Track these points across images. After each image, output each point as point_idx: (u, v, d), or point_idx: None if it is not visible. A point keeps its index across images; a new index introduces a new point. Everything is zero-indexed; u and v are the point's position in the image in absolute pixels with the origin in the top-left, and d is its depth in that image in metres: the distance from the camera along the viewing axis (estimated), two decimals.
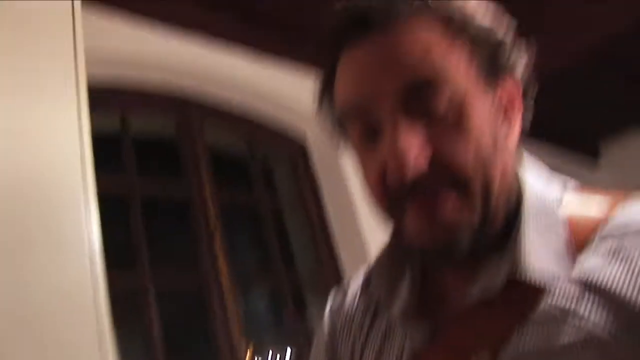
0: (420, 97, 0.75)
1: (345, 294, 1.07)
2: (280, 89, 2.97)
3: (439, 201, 0.75)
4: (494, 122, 0.80)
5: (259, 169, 2.97)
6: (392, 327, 0.90)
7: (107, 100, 2.43)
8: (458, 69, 0.77)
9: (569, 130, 5.49)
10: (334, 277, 2.92)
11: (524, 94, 0.87)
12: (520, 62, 0.85)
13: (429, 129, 0.75)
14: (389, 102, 0.75)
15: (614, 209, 0.76)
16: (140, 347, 2.13)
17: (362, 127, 0.80)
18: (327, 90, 0.88)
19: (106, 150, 2.39)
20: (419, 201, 0.75)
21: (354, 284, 1.06)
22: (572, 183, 0.87)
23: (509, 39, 0.83)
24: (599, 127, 5.77)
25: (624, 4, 3.09)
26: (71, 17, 1.39)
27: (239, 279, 2.53)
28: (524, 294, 0.73)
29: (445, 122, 0.75)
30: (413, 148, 0.73)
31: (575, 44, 3.37)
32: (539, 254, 0.74)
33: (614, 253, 0.71)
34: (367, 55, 0.78)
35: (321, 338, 1.06)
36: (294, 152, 3.19)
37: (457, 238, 0.75)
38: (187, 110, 2.72)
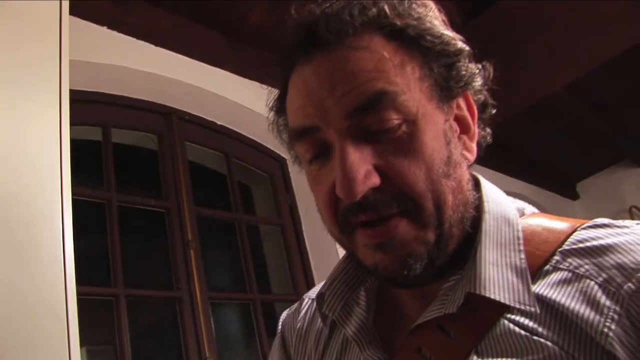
0: (370, 115, 0.73)
1: (299, 311, 1.05)
2: (261, 107, 2.98)
3: (390, 226, 0.73)
4: (448, 138, 0.78)
5: (237, 184, 2.98)
6: (348, 346, 0.88)
7: (90, 110, 2.44)
8: (409, 85, 0.75)
9: (548, 172, 5.60)
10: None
11: (480, 113, 0.86)
12: (476, 80, 0.84)
13: (380, 147, 0.73)
14: (338, 124, 0.74)
15: (572, 230, 0.76)
16: (111, 356, 2.13)
17: (312, 147, 0.78)
18: (280, 110, 0.88)
19: (87, 160, 2.41)
20: (372, 224, 0.74)
21: (308, 301, 1.05)
22: (530, 207, 0.87)
23: (463, 57, 0.81)
24: (575, 168, 5.88)
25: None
26: (58, 20, 1.39)
27: (212, 293, 2.54)
28: (483, 311, 0.73)
29: (396, 141, 0.74)
30: (361, 166, 0.72)
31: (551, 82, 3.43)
32: (498, 272, 0.74)
33: (571, 274, 0.70)
34: (316, 74, 0.76)
35: (275, 350, 1.05)
36: (273, 169, 3.21)
37: (411, 260, 0.73)
38: (168, 124, 2.74)
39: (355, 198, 0.71)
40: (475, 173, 0.87)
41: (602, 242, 0.71)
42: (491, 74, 0.88)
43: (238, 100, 2.91)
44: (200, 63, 2.82)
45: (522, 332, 0.69)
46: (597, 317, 0.65)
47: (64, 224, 1.22)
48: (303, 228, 3.12)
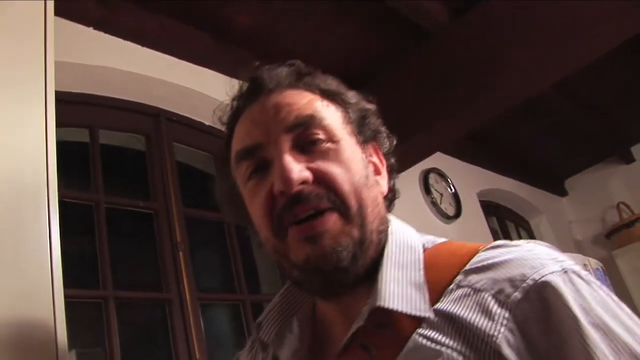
0: (304, 131, 0.91)
1: (249, 347, 1.14)
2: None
3: (323, 219, 0.86)
4: (365, 165, 0.96)
5: None
6: None
7: (76, 111, 2.44)
8: (333, 119, 0.95)
9: (538, 169, 5.64)
10: None
11: (388, 171, 1.04)
12: (383, 136, 1.05)
13: (311, 156, 0.90)
14: (279, 137, 0.90)
15: (474, 253, 0.87)
16: (100, 359, 2.12)
17: (252, 165, 0.93)
18: (225, 148, 1.03)
19: (75, 162, 2.40)
20: (305, 221, 0.86)
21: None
22: (441, 239, 0.98)
23: (371, 112, 1.04)
24: (564, 165, 5.93)
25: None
26: (42, 20, 1.38)
27: (202, 294, 2.53)
28: (397, 328, 0.82)
29: (324, 152, 0.90)
30: (296, 165, 0.87)
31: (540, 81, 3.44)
32: (398, 287, 0.84)
33: (470, 289, 0.81)
34: (261, 107, 0.95)
35: None
36: None
37: (339, 248, 0.85)
38: (156, 125, 2.73)
39: (292, 187, 0.85)
40: (388, 215, 1.01)
41: (496, 260, 0.82)
42: (394, 144, 1.08)
43: (226, 100, 2.89)
44: (187, 63, 2.81)
45: (428, 342, 0.78)
46: (490, 323, 0.75)
47: (51, 226, 1.21)
48: None
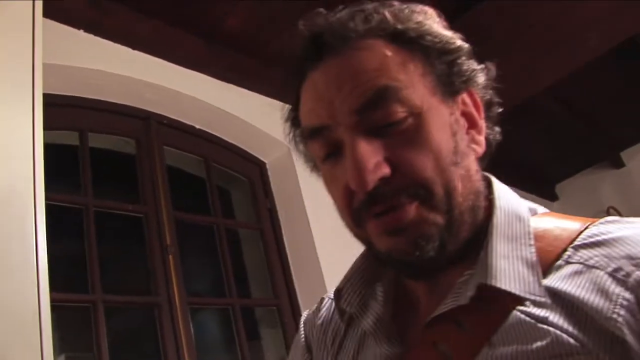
0: (376, 111, 0.77)
1: (319, 310, 1.07)
2: (241, 110, 2.98)
3: (402, 211, 0.76)
4: (454, 130, 0.82)
5: (216, 188, 2.97)
6: (365, 339, 0.90)
7: (66, 114, 2.43)
8: (412, 81, 0.79)
9: (528, 173, 5.65)
10: (288, 301, 2.93)
11: (487, 111, 0.90)
12: (478, 76, 0.88)
13: (388, 140, 0.77)
14: (347, 120, 0.78)
15: (584, 227, 0.78)
16: None
17: (325, 147, 0.82)
18: (294, 115, 0.91)
19: (65, 165, 2.39)
20: (383, 214, 0.77)
21: (328, 300, 1.07)
22: (542, 208, 0.89)
23: (463, 54, 0.86)
24: (554, 170, 5.94)
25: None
26: (31, 21, 1.37)
27: (192, 298, 2.52)
28: (496, 303, 0.74)
29: (403, 133, 0.77)
30: (371, 157, 0.75)
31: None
32: (508, 264, 0.76)
33: (581, 266, 0.72)
34: (324, 78, 0.81)
35: (298, 347, 1.07)
36: (252, 173, 3.20)
37: (422, 241, 0.76)
38: (147, 129, 2.72)
39: (367, 187, 0.75)
40: (487, 174, 0.91)
41: (611, 235, 0.73)
42: (494, 74, 0.92)
43: (217, 104, 2.90)
44: (178, 67, 2.81)
45: (531, 320, 0.70)
46: (606, 303, 0.66)
47: (37, 230, 1.20)
48: (283, 232, 3.11)
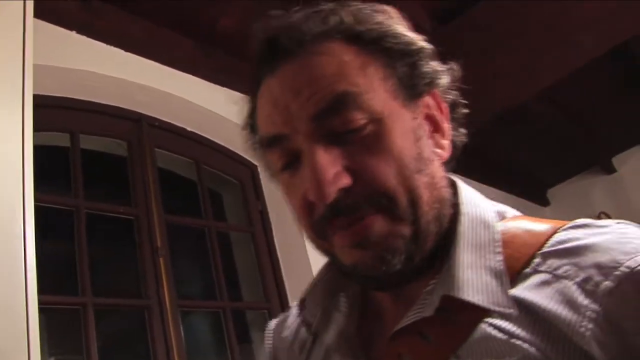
0: (335, 117, 0.73)
1: (286, 319, 1.04)
2: (233, 113, 2.97)
3: (367, 223, 0.73)
4: (417, 135, 0.78)
5: (207, 191, 2.96)
6: (331, 352, 0.87)
7: (57, 116, 2.42)
8: (373, 85, 0.76)
9: (520, 179, 5.67)
10: (279, 304, 2.92)
11: (451, 112, 0.86)
12: (441, 77, 0.84)
13: (349, 148, 0.74)
14: (305, 128, 0.74)
15: (553, 232, 0.75)
16: None
17: (283, 156, 0.79)
18: (251, 122, 0.88)
19: (56, 166, 2.38)
20: (346, 227, 0.74)
21: (295, 307, 1.03)
22: (513, 211, 0.87)
23: (426, 55, 0.82)
24: (546, 175, 5.96)
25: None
26: (22, 22, 1.36)
27: (182, 301, 2.51)
28: (462, 315, 0.72)
29: (364, 140, 0.74)
30: (331, 167, 0.72)
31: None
32: (474, 274, 0.73)
33: (550, 276, 0.70)
34: (280, 84, 0.78)
35: (265, 359, 1.05)
36: (244, 175, 3.19)
37: (388, 255, 0.73)
38: (138, 131, 2.71)
39: (327, 200, 0.72)
40: (453, 176, 0.87)
41: (581, 242, 0.70)
42: (459, 74, 0.88)
43: (209, 106, 2.89)
44: (170, 69, 2.80)
45: (501, 335, 0.68)
46: (575, 316, 0.64)
47: (26, 231, 1.19)
48: (274, 235, 3.10)
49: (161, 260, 2.46)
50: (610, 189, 5.97)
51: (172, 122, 2.89)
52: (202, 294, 2.92)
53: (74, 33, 2.44)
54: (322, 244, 0.80)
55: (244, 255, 3.12)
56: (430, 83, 0.83)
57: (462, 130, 0.89)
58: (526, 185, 5.93)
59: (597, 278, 0.65)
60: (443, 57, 0.86)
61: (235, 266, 3.11)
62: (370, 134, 0.74)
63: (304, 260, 2.90)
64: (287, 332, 1.01)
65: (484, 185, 5.22)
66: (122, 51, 2.61)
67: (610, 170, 6.01)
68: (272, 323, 1.08)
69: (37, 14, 1.72)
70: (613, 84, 4.51)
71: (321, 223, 0.76)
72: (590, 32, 3.07)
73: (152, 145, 2.74)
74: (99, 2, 2.49)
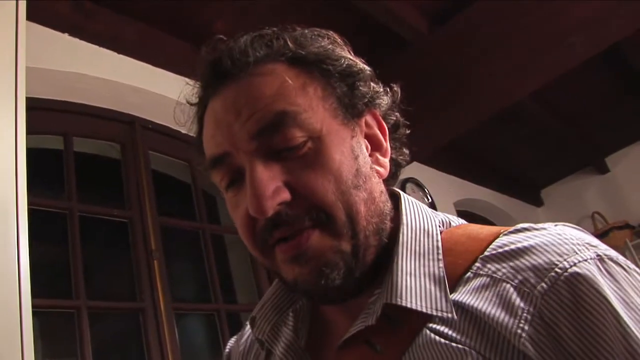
0: (274, 135, 0.76)
1: (242, 336, 1.07)
2: None
3: (302, 239, 0.75)
4: (355, 153, 0.81)
5: (201, 193, 2.95)
6: None
7: (51, 118, 2.41)
8: (312, 105, 0.79)
9: (514, 179, 5.69)
10: None
11: (392, 132, 0.91)
12: (381, 98, 0.89)
13: (288, 164, 0.76)
14: (246, 146, 0.77)
15: (494, 237, 0.77)
16: None
17: (227, 175, 0.81)
18: (199, 144, 0.89)
19: (49, 169, 2.37)
20: (285, 241, 0.76)
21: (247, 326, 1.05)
22: (459, 220, 0.89)
23: (364, 77, 0.86)
24: (540, 175, 5.99)
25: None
26: (14, 24, 1.36)
27: (177, 304, 2.51)
28: (406, 322, 0.74)
29: (303, 158, 0.77)
30: (270, 183, 0.74)
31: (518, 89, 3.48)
32: (415, 281, 0.76)
33: (489, 279, 0.72)
34: (222, 104, 0.80)
35: None
36: None
37: (327, 270, 0.75)
38: (132, 133, 2.71)
39: (266, 214, 0.74)
40: (396, 189, 0.91)
41: (518, 245, 0.73)
42: (399, 96, 0.93)
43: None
44: (164, 71, 2.79)
45: (442, 340, 0.70)
46: (512, 319, 0.67)
47: (19, 234, 1.19)
48: None
49: (155, 262, 2.46)
50: (604, 189, 5.99)
51: (166, 124, 2.88)
52: (197, 297, 2.92)
53: (66, 35, 2.43)
54: (267, 262, 0.82)
55: (238, 258, 3.11)
56: (369, 103, 0.86)
57: (405, 151, 0.94)
58: (520, 186, 5.95)
59: (533, 280, 0.68)
60: (378, 74, 0.90)
61: (229, 268, 3.11)
62: (309, 152, 0.77)
63: None
64: (242, 348, 1.04)
65: (479, 186, 5.24)
66: (115, 53, 2.60)
67: (603, 170, 6.02)
68: (231, 340, 1.11)
69: (29, 17, 1.71)
70: (606, 85, 4.54)
71: (263, 237, 0.78)
72: (582, 34, 3.08)
73: (146, 148, 2.74)
74: (91, 4, 2.49)
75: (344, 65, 0.84)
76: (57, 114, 2.46)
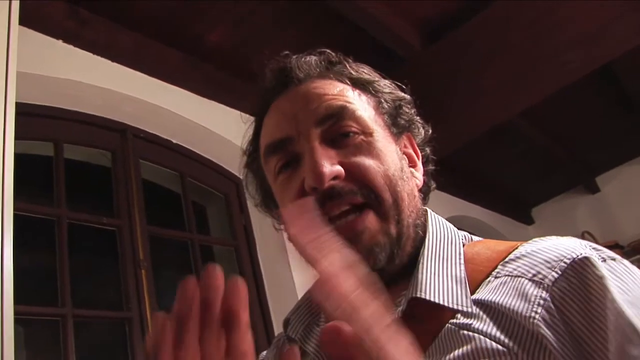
0: (335, 124, 0.87)
1: (271, 345, 1.11)
2: (219, 126, 2.97)
3: (361, 218, 0.83)
4: (400, 156, 0.92)
5: (191, 204, 2.94)
6: None
7: (42, 124, 2.40)
8: (367, 110, 0.92)
9: (505, 197, 5.70)
10: (262, 320, 2.91)
11: (424, 162, 1.01)
12: (418, 125, 1.02)
13: (343, 151, 0.86)
14: (308, 130, 0.87)
15: (513, 248, 0.84)
16: None
17: (283, 157, 0.90)
18: (253, 142, 1.01)
19: (39, 176, 2.36)
20: (341, 217, 0.83)
21: (281, 333, 1.09)
22: (477, 237, 0.95)
23: (406, 102, 1.00)
24: (530, 194, 6.00)
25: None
26: (6, 29, 1.35)
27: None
28: (432, 318, 0.79)
29: (356, 146, 0.87)
30: (328, 160, 0.84)
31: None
32: (438, 279, 0.82)
33: (508, 278, 0.78)
34: (290, 99, 0.92)
35: None
36: (228, 189, 3.18)
37: (377, 249, 0.82)
38: (123, 142, 2.70)
39: (323, 183, 0.82)
40: (424, 207, 0.98)
41: (533, 248, 0.81)
42: (429, 133, 1.05)
43: (195, 119, 2.88)
44: (157, 80, 2.79)
45: (459, 330, 0.75)
46: (526, 305, 0.73)
47: (4, 240, 1.18)
48: (257, 249, 3.09)
49: (143, 272, 2.44)
50: (594, 209, 6.02)
51: (158, 133, 2.88)
52: None
53: (60, 42, 2.42)
54: None
55: (227, 269, 3.09)
56: (409, 125, 1.00)
57: (433, 184, 1.03)
58: (511, 204, 5.97)
59: (545, 271, 0.76)
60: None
61: None
62: (362, 143, 0.88)
63: (287, 276, 2.90)
64: (272, 353, 1.08)
65: (470, 203, 5.24)
66: (109, 61, 2.60)
67: (594, 189, 6.06)
68: (262, 355, 1.14)
69: (23, 22, 1.71)
70: (597, 104, 4.56)
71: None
72: (575, 53, 3.10)
73: (137, 157, 2.73)
74: (87, 12, 2.48)
75: (391, 90, 0.99)
76: (49, 120, 2.45)
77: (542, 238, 0.84)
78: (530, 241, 0.84)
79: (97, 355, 2.42)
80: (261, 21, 2.82)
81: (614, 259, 0.77)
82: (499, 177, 5.36)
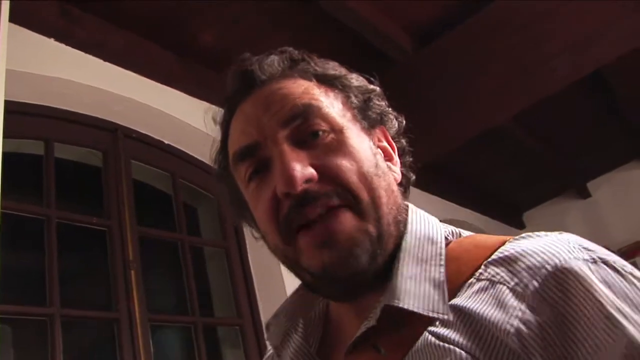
0: (302, 124, 0.84)
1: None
2: (209, 126, 2.96)
3: (337, 221, 0.79)
4: (373, 151, 0.88)
5: (182, 205, 2.94)
6: None
7: (32, 123, 2.39)
8: (335, 106, 0.88)
9: (496, 201, 5.71)
10: (251, 321, 2.90)
11: (400, 154, 0.98)
12: (390, 117, 0.98)
13: (313, 151, 0.83)
14: (275, 133, 0.83)
15: (499, 245, 0.79)
16: None
17: (252, 165, 0.86)
18: (222, 150, 0.97)
19: (29, 175, 2.35)
20: (316, 223, 0.79)
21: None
22: (468, 232, 0.92)
23: (376, 95, 0.96)
24: (522, 198, 6.02)
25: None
26: None
27: (152, 315, 2.48)
28: (409, 325, 0.76)
29: (327, 145, 0.83)
30: (298, 162, 0.80)
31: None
32: (415, 285, 0.78)
33: (488, 283, 0.74)
34: (253, 103, 0.88)
35: None
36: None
37: (357, 250, 0.78)
38: (114, 141, 2.69)
39: (296, 188, 0.78)
40: (405, 202, 0.94)
41: (517, 250, 0.75)
42: (403, 125, 1.01)
43: (186, 119, 2.88)
44: (149, 80, 2.78)
45: (437, 341, 0.72)
46: (504, 317, 0.68)
47: None
48: (248, 251, 3.09)
49: (132, 272, 2.44)
50: (585, 214, 6.05)
51: (149, 134, 2.87)
52: (174, 309, 2.89)
53: (52, 40, 2.42)
54: (288, 251, 0.84)
55: (217, 271, 3.09)
56: (381, 117, 0.96)
57: (412, 175, 1.00)
58: (502, 208, 5.98)
59: (526, 280, 0.70)
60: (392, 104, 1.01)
61: (208, 282, 3.08)
62: (333, 141, 0.84)
63: (278, 277, 2.89)
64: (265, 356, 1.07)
65: (461, 207, 5.25)
66: (100, 60, 2.59)
67: (585, 195, 6.09)
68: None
69: (15, 20, 1.70)
70: (588, 110, 4.57)
71: (289, 219, 0.81)
72: (565, 59, 3.11)
73: (128, 157, 2.72)
74: (78, 11, 2.48)
75: (360, 84, 0.95)
76: (40, 119, 2.44)
77: (531, 234, 0.79)
78: (519, 237, 0.80)
79: (85, 356, 2.41)
80: (254, 22, 2.82)
81: (608, 264, 0.70)
82: (490, 182, 5.37)
